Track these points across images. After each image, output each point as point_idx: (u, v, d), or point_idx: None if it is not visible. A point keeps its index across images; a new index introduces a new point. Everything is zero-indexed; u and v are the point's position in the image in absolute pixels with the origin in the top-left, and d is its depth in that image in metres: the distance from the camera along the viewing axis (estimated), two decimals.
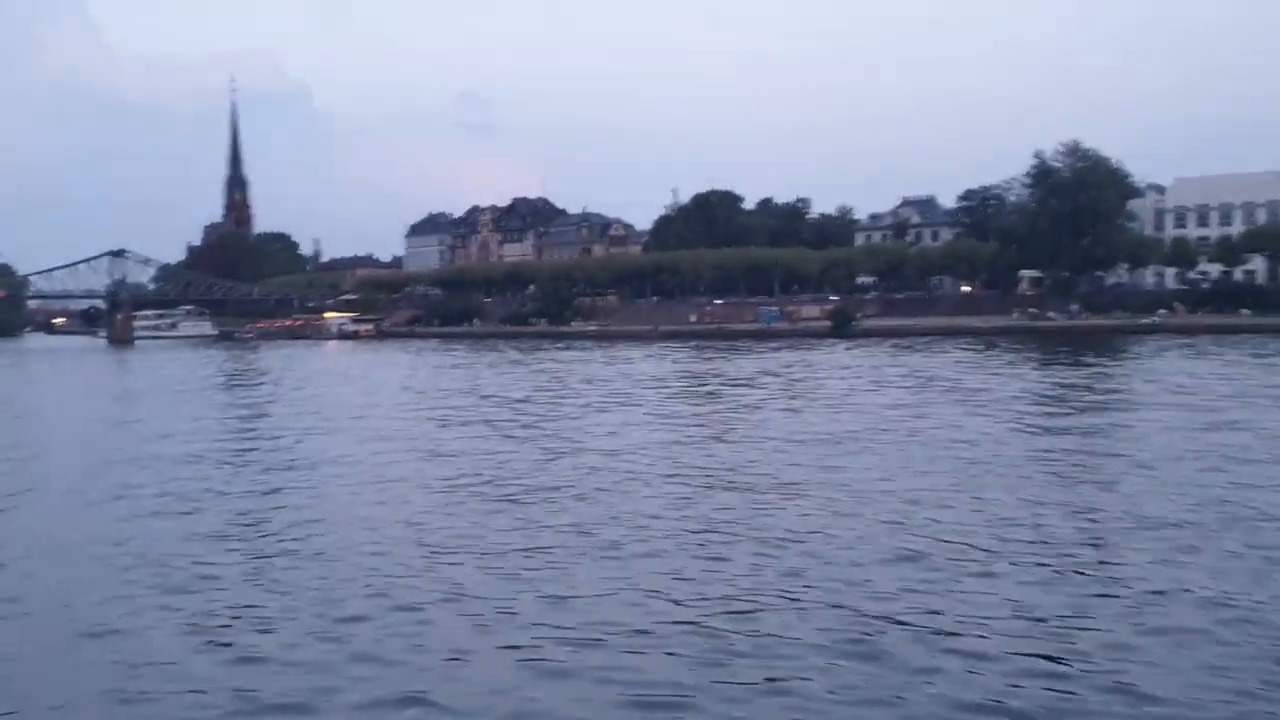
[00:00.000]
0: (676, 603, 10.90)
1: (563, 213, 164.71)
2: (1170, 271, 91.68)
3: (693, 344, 77.18)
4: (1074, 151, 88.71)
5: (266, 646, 9.94)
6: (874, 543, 13.25)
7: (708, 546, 13.32)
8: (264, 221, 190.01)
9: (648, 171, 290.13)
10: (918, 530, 13.85)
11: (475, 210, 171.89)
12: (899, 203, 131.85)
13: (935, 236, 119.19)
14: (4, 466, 22.68)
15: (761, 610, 10.60)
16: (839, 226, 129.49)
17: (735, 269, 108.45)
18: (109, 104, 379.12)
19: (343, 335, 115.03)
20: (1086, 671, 8.69)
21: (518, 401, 35.43)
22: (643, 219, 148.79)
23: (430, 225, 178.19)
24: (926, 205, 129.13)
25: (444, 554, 13.32)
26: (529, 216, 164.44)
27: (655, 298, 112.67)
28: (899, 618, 10.12)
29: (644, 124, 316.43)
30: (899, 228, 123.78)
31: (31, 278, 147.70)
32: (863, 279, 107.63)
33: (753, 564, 12.42)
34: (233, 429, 29.92)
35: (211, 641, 10.15)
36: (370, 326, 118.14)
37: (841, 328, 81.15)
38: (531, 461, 21.16)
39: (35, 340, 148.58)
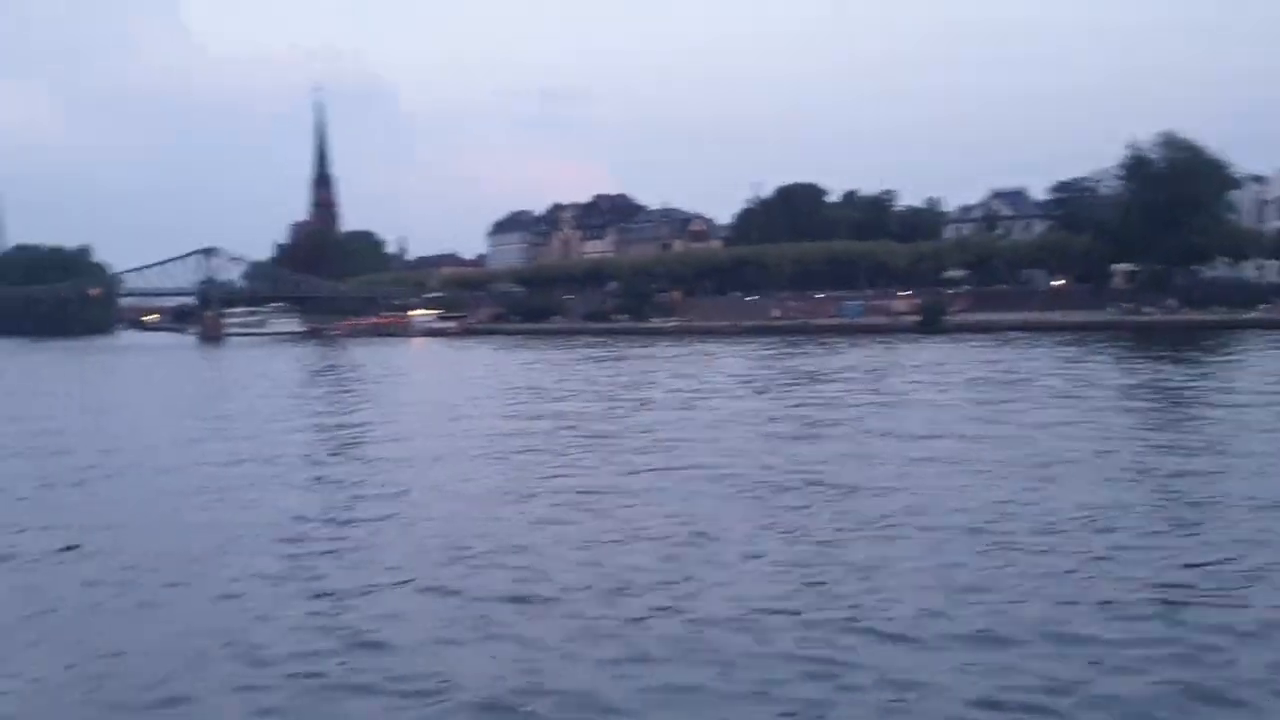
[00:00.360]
0: None
1: (643, 208, 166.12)
2: (1274, 265, 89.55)
3: (777, 339, 77.71)
4: (1169, 141, 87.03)
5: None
6: None
7: None
8: (350, 220, 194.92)
9: (728, 166, 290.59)
10: None
11: (556, 207, 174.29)
12: (988, 195, 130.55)
13: (1026, 229, 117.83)
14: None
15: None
16: (926, 219, 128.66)
17: (819, 263, 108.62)
18: (200, 103, 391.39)
19: (428, 332, 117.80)
20: None
21: (628, 400, 35.07)
22: (723, 213, 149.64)
23: (512, 223, 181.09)
24: (1017, 197, 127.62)
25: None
26: (609, 213, 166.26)
27: (737, 292, 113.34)
28: None
29: (724, 118, 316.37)
30: (989, 220, 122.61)
31: (124, 275, 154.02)
32: (951, 273, 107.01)
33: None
34: (332, 425, 30.94)
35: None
36: (455, 324, 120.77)
37: (930, 322, 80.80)
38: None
39: (127, 337, 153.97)
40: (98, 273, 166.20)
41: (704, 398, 34.02)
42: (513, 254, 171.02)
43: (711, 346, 70.51)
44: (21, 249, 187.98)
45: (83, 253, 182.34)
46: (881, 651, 9.20)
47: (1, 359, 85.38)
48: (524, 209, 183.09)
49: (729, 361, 54.34)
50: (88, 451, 24.16)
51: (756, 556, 12.58)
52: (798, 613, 10.28)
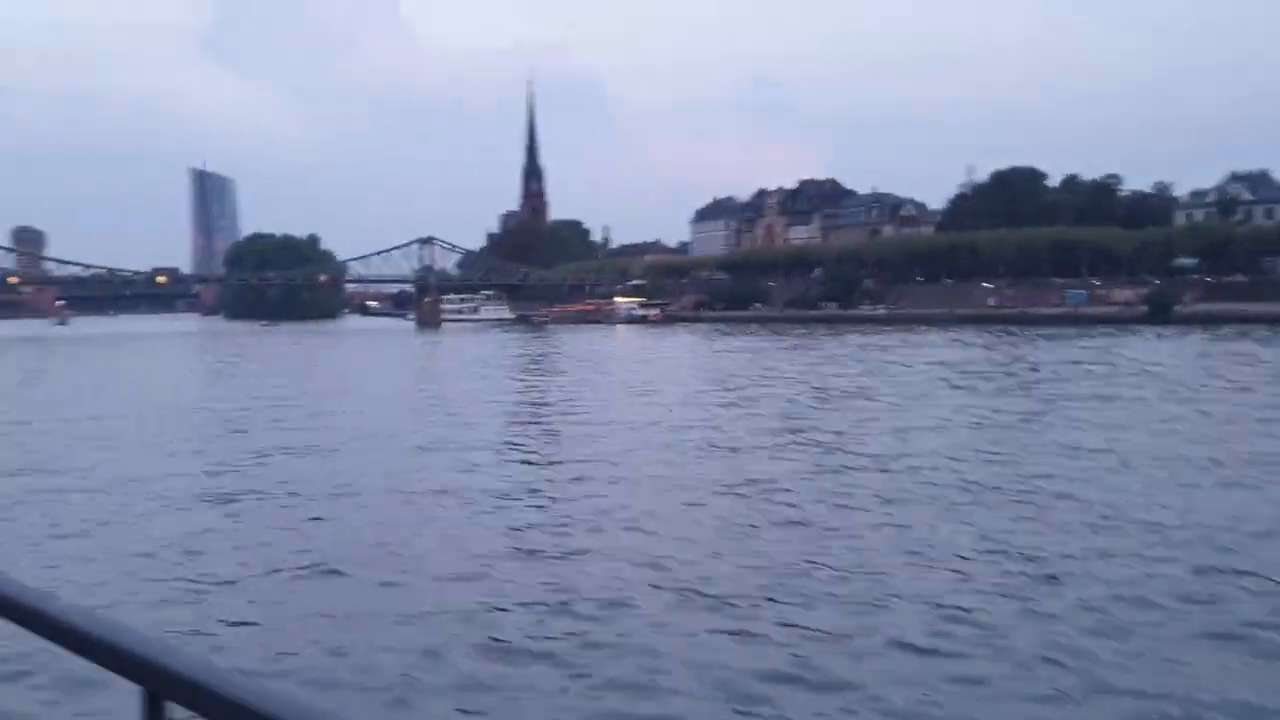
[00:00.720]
0: None
1: (851, 194, 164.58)
2: None
3: (995, 328, 76.30)
4: None
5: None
6: None
7: None
8: (558, 209, 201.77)
9: (939, 150, 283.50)
10: None
11: (762, 194, 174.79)
12: (1226, 178, 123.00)
13: (1269, 214, 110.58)
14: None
15: None
16: (1154, 204, 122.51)
17: (1039, 249, 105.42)
18: (419, 99, 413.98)
19: (631, 319, 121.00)
20: None
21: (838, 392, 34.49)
22: (934, 198, 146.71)
23: (717, 210, 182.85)
24: (1259, 180, 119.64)
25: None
26: (816, 198, 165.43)
27: (948, 280, 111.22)
28: None
29: (936, 101, 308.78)
30: (1225, 205, 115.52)
31: (349, 263, 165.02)
32: (1181, 260, 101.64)
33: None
34: (545, 405, 33.50)
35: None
36: (657, 311, 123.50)
37: (1159, 313, 77.52)
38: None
39: (351, 322, 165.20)
40: (326, 260, 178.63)
41: (924, 393, 32.97)
42: (716, 241, 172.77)
43: (925, 335, 70.07)
44: (256, 238, 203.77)
45: (312, 241, 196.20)
46: None
47: (244, 341, 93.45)
48: (728, 195, 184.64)
49: (945, 352, 53.25)
50: (342, 431, 27.33)
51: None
52: None
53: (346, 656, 9.46)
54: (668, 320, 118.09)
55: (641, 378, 42.62)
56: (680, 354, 60.33)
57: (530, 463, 20.74)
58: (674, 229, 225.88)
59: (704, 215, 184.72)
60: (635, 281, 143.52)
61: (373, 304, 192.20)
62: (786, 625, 10.14)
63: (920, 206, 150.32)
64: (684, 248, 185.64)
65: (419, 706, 8.47)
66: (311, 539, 14.22)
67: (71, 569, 12.55)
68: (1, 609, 1.52)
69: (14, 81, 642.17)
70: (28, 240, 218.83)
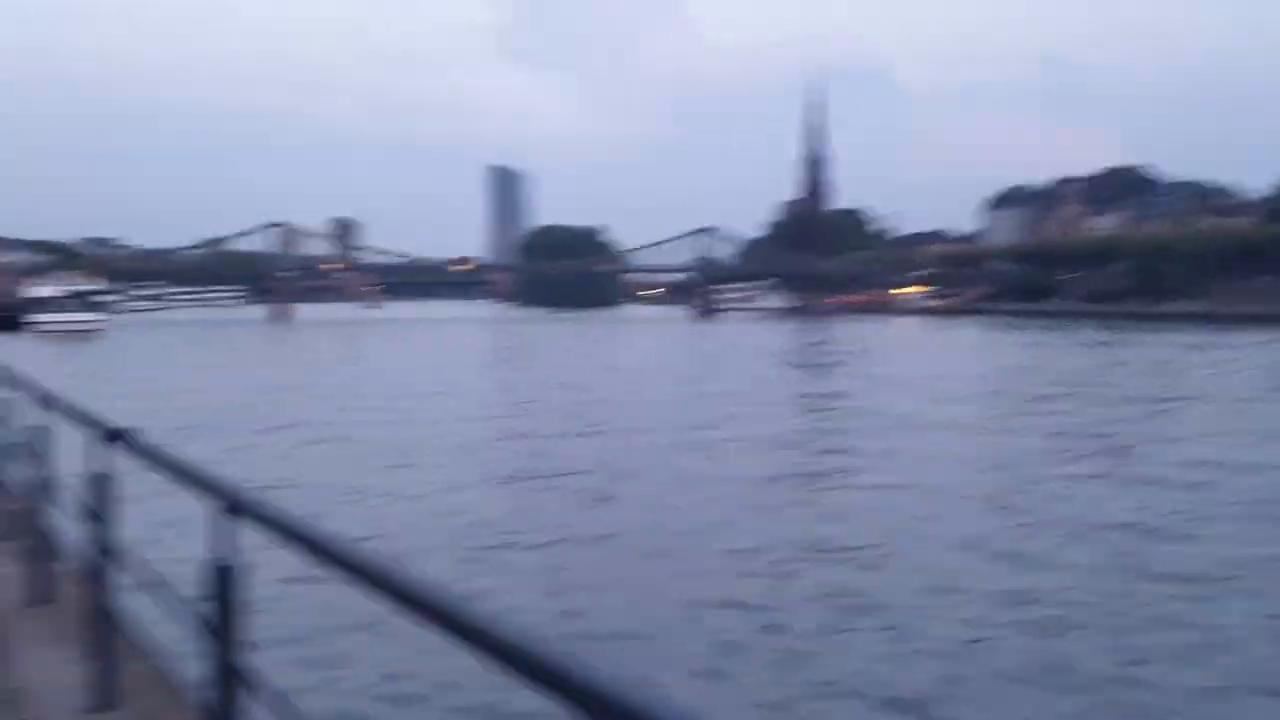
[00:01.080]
0: None
1: (1156, 182, 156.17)
2: None
3: None
4: None
5: None
6: None
7: None
8: (840, 197, 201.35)
9: (1260, 134, 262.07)
10: None
11: (1060, 181, 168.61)
12: None
13: None
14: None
15: None
16: None
17: None
18: (703, 90, 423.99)
19: (914, 311, 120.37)
20: None
21: None
22: (1257, 184, 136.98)
23: (1009, 198, 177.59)
24: None
25: None
26: (1119, 186, 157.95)
27: (1266, 277, 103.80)
28: None
29: (1254, 81, 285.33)
30: None
31: (631, 253, 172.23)
32: None
33: None
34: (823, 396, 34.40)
35: None
36: (942, 302, 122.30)
37: None
38: None
39: (631, 311, 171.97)
40: (609, 250, 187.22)
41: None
42: (1008, 230, 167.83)
43: (1257, 335, 66.05)
44: (546, 229, 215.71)
45: (598, 232, 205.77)
46: None
47: (536, 328, 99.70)
48: (1022, 183, 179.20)
49: None
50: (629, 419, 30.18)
51: None
52: None
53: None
54: (953, 312, 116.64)
55: (931, 373, 41.04)
56: (966, 350, 59.03)
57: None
58: (960, 218, 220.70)
59: (995, 204, 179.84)
60: (919, 272, 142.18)
61: (651, 293, 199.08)
62: None
63: (1238, 196, 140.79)
64: (972, 237, 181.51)
65: None
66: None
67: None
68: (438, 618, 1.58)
69: (334, 81, 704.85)
70: (345, 229, 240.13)
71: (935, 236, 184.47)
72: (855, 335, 76.93)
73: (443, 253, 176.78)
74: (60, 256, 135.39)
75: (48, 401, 5.23)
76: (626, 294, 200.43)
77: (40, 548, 5.30)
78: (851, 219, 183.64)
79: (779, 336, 79.40)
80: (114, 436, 3.85)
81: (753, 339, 74.86)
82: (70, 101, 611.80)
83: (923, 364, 48.09)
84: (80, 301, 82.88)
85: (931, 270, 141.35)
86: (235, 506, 2.54)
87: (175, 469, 3.05)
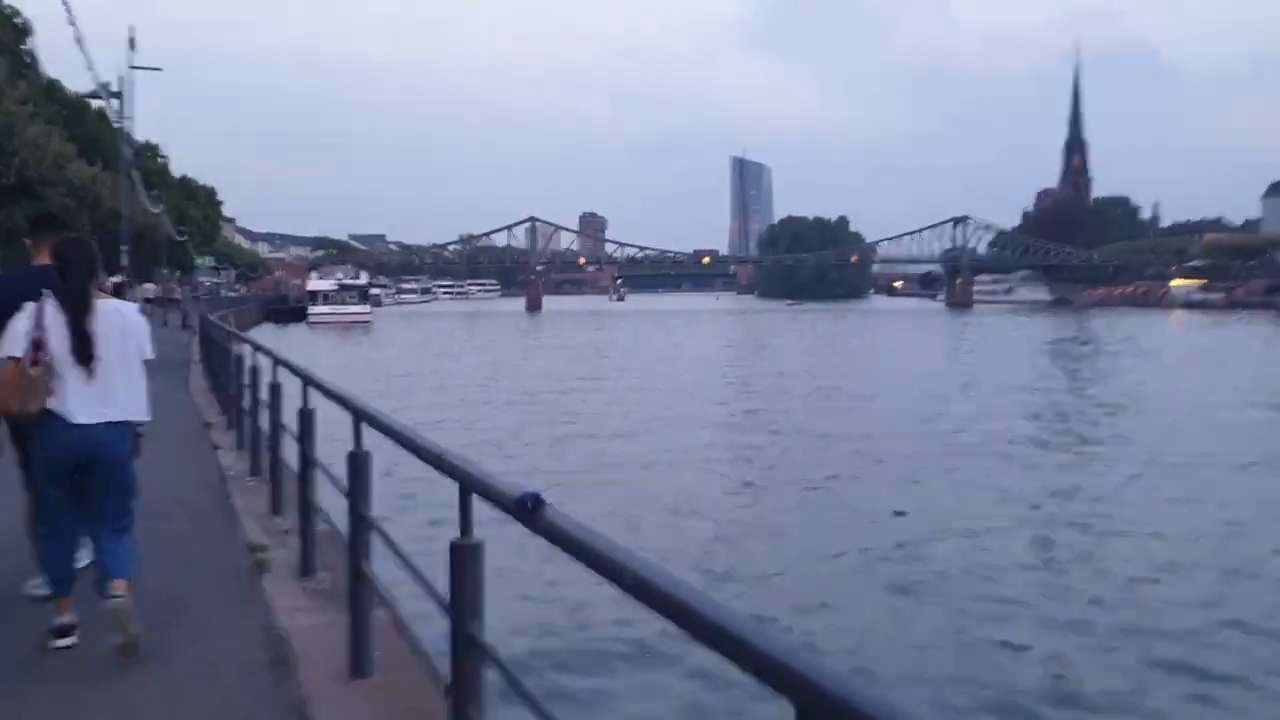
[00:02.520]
0: None
1: None
2: None
3: None
4: None
5: None
6: None
7: None
8: (1102, 185, 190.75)
9: None
10: None
11: None
12: None
13: None
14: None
15: None
16: None
17: None
18: (956, 75, 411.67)
19: (1189, 304, 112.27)
20: None
21: None
22: None
23: None
24: None
25: None
26: None
27: None
28: None
29: None
30: None
31: (878, 244, 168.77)
32: None
33: None
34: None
35: None
36: (1220, 296, 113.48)
37: None
38: None
39: (878, 302, 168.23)
40: (854, 241, 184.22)
41: None
42: None
43: None
44: (789, 220, 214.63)
45: (842, 223, 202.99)
46: None
47: (786, 320, 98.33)
48: None
49: None
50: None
51: None
52: None
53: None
54: (1232, 306, 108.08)
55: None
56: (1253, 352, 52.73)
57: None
58: (1238, 205, 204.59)
59: (1274, 191, 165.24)
60: (1193, 262, 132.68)
61: (899, 284, 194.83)
62: None
63: None
64: (1252, 225, 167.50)
65: None
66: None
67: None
68: (659, 605, 1.61)
69: (586, 80, 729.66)
70: (592, 225, 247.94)
71: (1210, 225, 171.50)
72: (1132, 330, 71.60)
73: (686, 246, 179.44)
74: (334, 251, 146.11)
75: (311, 384, 5.60)
76: (874, 285, 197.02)
77: (307, 520, 5.68)
78: (1116, 206, 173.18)
79: (1052, 331, 74.05)
80: (362, 417, 4.07)
81: (1024, 333, 69.61)
82: (335, 106, 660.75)
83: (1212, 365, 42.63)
84: (352, 294, 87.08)
85: (1206, 261, 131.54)
86: (469, 485, 2.61)
87: (418, 449, 3.17)
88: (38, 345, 4.43)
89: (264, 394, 7.84)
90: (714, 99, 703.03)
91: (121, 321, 4.71)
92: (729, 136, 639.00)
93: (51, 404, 4.45)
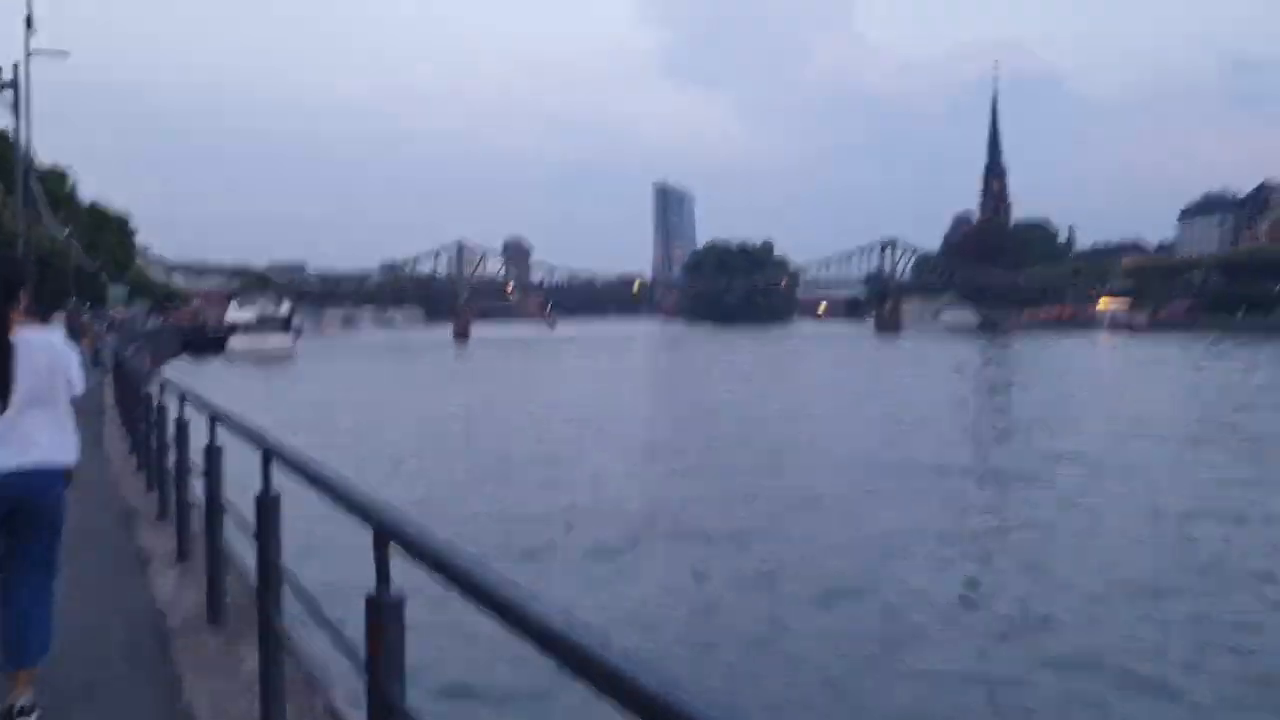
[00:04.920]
0: None
1: None
2: None
3: None
4: None
5: None
6: None
7: None
8: (1019, 209, 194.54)
9: None
10: None
11: (1263, 188, 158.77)
12: None
13: None
14: None
15: None
16: None
17: None
18: (870, 102, 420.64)
19: (1115, 326, 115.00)
20: None
21: None
22: None
23: (1208, 205, 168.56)
24: None
25: None
26: None
27: None
28: None
29: None
30: None
31: (801, 269, 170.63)
32: None
33: None
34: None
35: None
36: (1144, 317, 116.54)
37: None
38: None
39: (803, 327, 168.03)
40: (779, 266, 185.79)
41: None
42: (1208, 240, 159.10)
43: None
44: (713, 246, 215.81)
45: (766, 248, 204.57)
46: None
47: (711, 346, 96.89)
48: (1219, 190, 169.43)
49: None
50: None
51: None
52: None
53: None
54: (1155, 327, 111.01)
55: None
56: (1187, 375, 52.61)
57: None
58: (1153, 228, 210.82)
59: (1192, 212, 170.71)
60: (1114, 285, 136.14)
61: (822, 309, 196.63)
62: None
63: None
64: (1167, 247, 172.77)
65: None
66: None
67: None
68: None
69: (509, 108, 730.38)
70: (516, 249, 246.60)
71: (1127, 248, 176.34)
72: (1051, 355, 72.44)
73: (610, 270, 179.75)
74: (252, 281, 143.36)
75: (219, 420, 5.27)
76: (801, 310, 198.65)
77: (215, 567, 5.34)
78: (1035, 230, 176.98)
79: (978, 354, 74.27)
80: (272, 455, 3.78)
81: (961, 359, 68.06)
82: (251, 130, 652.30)
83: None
84: (273, 325, 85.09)
85: (1126, 283, 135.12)
86: (388, 533, 2.37)
87: (332, 490, 2.91)
88: None
89: (171, 431, 7.43)
90: (635, 126, 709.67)
91: (49, 353, 4.11)
92: (651, 162, 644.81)
93: None
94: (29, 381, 4.00)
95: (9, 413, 3.95)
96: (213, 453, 5.34)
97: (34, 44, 28.37)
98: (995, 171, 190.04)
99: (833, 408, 36.92)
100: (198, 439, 6.13)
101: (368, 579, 2.51)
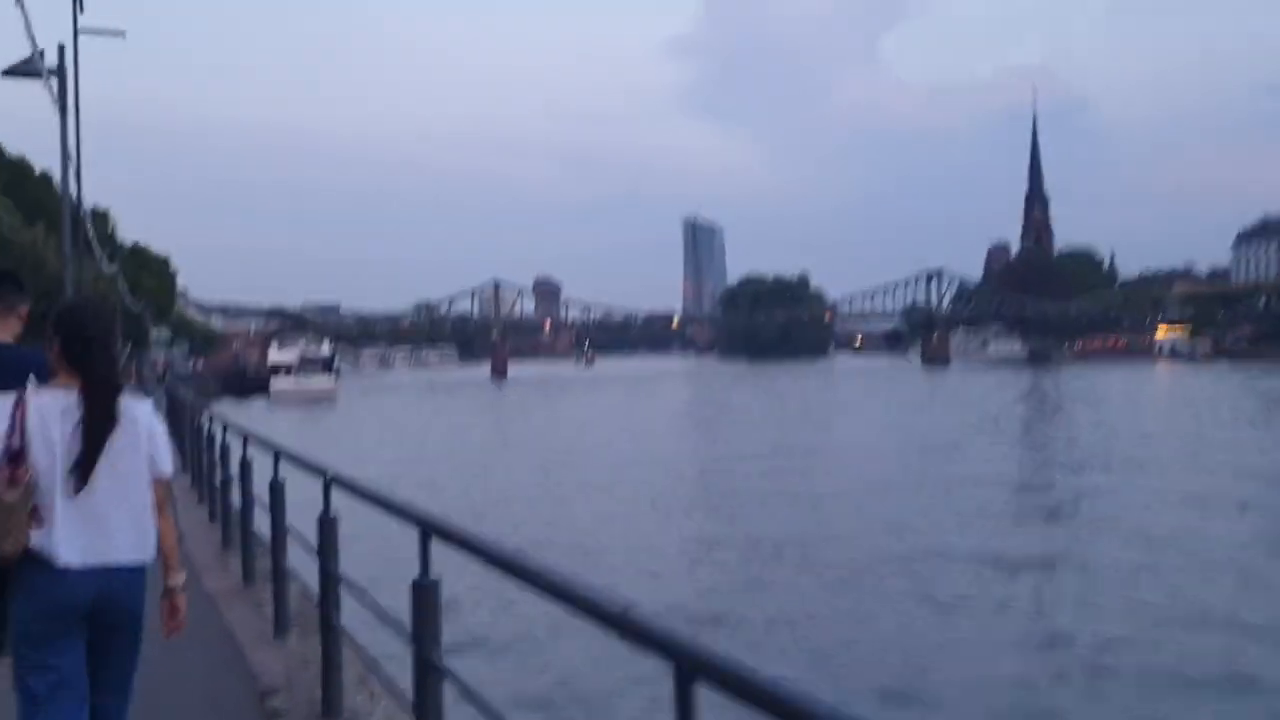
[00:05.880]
0: None
1: None
2: None
3: None
4: None
5: None
6: None
7: None
8: (1060, 236, 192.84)
9: None
10: None
11: None
12: None
13: None
14: None
15: None
16: None
17: None
18: (898, 133, 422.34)
19: (1174, 354, 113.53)
20: None
21: None
22: None
23: (1265, 230, 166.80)
24: None
25: None
26: None
27: None
28: None
29: None
30: None
31: (839, 301, 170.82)
32: None
33: None
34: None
35: None
36: (1205, 346, 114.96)
37: None
38: None
39: (843, 361, 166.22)
40: (815, 299, 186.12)
41: None
42: (1265, 264, 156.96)
43: None
44: (747, 281, 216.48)
45: (802, 281, 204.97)
46: None
47: (761, 382, 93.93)
48: (1278, 213, 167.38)
49: None
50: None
51: None
52: None
53: None
54: (1217, 356, 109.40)
55: None
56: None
57: None
58: (1196, 253, 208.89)
59: (1248, 236, 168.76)
60: (1170, 314, 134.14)
61: (859, 342, 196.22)
62: None
63: None
64: (1222, 273, 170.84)
65: None
66: None
67: None
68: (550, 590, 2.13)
69: (537, 144, 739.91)
70: (546, 288, 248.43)
71: (1178, 275, 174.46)
72: (1149, 386, 70.86)
73: (639, 306, 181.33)
74: (289, 322, 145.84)
75: (281, 456, 6.25)
76: (838, 343, 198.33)
77: (280, 585, 6.30)
78: (1081, 259, 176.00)
79: (1060, 388, 70.56)
80: (331, 482, 4.74)
81: (1035, 392, 65.28)
82: (278, 173, 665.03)
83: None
84: (314, 366, 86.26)
85: (1182, 311, 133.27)
86: (431, 530, 3.28)
87: (381, 502, 3.85)
88: (14, 458, 3.24)
89: (235, 469, 8.37)
90: (661, 162, 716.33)
91: (133, 427, 3.42)
92: (679, 197, 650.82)
93: (35, 542, 3.25)
94: (118, 462, 3.36)
95: (84, 496, 3.30)
96: (277, 486, 6.29)
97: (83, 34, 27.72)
98: (1037, 199, 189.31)
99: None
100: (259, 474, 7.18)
101: (406, 576, 3.38)
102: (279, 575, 6.29)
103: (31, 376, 3.41)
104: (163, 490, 3.55)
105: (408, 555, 3.48)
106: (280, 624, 6.31)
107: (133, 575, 3.40)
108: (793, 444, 36.36)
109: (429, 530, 3.30)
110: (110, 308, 3.99)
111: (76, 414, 3.30)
